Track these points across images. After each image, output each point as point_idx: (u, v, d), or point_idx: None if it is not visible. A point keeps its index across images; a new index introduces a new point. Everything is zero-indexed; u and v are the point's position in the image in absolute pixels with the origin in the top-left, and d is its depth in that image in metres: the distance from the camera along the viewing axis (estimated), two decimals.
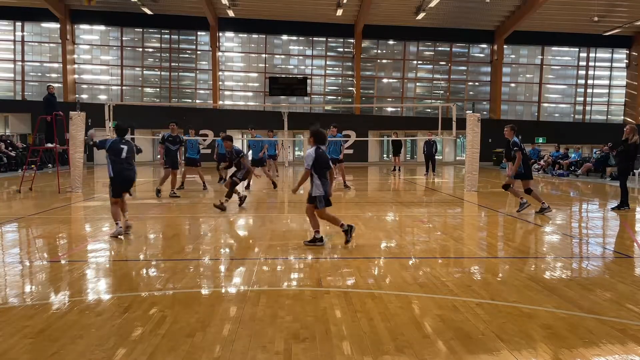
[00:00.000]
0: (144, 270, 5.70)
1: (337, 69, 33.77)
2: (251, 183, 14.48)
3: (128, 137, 7.95)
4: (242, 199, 10.86)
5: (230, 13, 28.66)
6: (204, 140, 17.11)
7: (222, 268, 5.83)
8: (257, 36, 32.63)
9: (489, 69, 34.04)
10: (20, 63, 31.15)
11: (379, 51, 33.97)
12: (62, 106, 18.05)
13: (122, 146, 7.45)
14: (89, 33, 31.92)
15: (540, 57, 34.16)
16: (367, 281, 5.15)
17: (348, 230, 6.68)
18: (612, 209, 10.57)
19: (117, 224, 7.33)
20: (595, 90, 34.86)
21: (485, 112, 33.45)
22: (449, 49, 33.78)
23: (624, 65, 34.97)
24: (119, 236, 7.23)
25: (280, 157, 22.71)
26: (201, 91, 32.88)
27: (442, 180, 19.20)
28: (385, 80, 34.02)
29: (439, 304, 4.39)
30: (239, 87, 33.32)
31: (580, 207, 12.16)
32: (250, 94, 33.64)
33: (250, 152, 15.54)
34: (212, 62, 31.55)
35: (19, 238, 7.74)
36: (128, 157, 7.46)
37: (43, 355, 3.37)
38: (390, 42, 33.55)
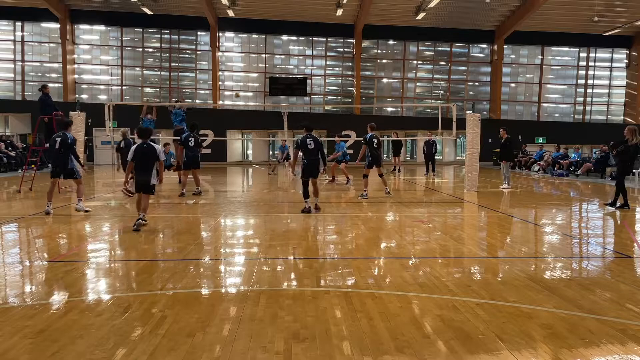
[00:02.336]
0: (144, 270, 5.70)
1: (337, 69, 33.76)
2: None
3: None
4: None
5: (230, 13, 28.65)
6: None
7: (222, 268, 5.83)
8: (257, 36, 32.62)
9: (489, 69, 34.04)
10: (20, 63, 31.14)
11: (379, 51, 33.95)
12: (62, 106, 18.04)
13: (56, 138, 9.70)
14: (89, 33, 31.91)
15: (540, 57, 34.15)
16: (367, 281, 5.15)
17: (137, 224, 7.85)
18: (613, 207, 10.58)
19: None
20: (595, 90, 34.86)
21: (485, 112, 33.46)
22: (449, 49, 33.77)
23: (624, 65, 34.96)
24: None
25: (280, 156, 22.83)
26: (201, 91, 32.88)
27: (442, 180, 19.19)
28: (385, 80, 34.01)
29: (439, 304, 4.39)
30: (239, 87, 33.30)
31: (580, 207, 12.16)
32: (250, 94, 33.63)
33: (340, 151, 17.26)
34: (212, 62, 31.54)
35: (19, 238, 7.74)
36: (60, 147, 9.68)
37: (43, 355, 3.37)
38: (390, 42, 33.54)
